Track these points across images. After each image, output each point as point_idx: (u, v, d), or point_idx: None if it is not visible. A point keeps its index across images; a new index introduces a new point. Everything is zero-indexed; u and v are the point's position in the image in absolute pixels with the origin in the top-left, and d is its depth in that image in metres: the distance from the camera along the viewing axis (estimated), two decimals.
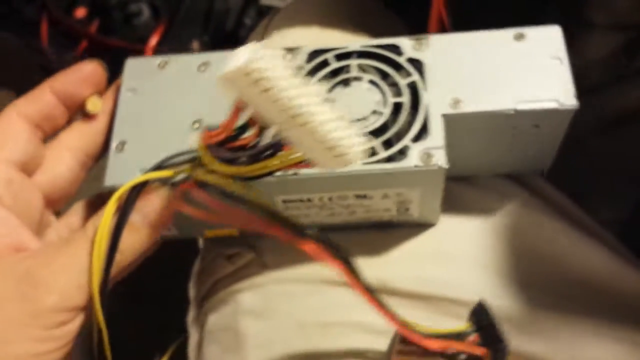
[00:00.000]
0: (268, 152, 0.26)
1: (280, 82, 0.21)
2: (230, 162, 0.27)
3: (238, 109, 0.25)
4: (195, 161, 0.29)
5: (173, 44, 0.74)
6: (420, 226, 0.35)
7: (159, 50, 0.74)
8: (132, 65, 0.34)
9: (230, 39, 0.74)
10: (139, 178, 0.29)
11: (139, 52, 0.74)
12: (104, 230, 0.27)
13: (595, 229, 0.35)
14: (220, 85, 0.22)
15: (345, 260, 0.25)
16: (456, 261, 0.33)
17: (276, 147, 0.26)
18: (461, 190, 0.35)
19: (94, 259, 0.27)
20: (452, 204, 0.34)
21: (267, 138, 0.26)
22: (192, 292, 0.39)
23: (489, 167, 0.34)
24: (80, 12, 0.78)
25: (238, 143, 0.26)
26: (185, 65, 0.33)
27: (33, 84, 0.33)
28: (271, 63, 0.21)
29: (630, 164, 0.58)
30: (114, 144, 0.32)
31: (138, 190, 0.29)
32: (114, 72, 0.87)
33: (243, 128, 0.26)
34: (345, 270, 0.25)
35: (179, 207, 0.27)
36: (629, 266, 0.34)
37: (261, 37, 0.41)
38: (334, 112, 0.22)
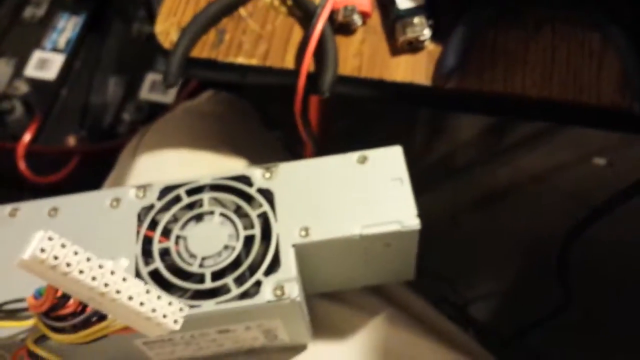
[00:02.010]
0: (96, 318, 0.25)
1: (76, 266, 0.21)
2: (60, 330, 0.26)
3: None
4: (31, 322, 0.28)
5: (48, 141, 0.73)
6: (294, 348, 0.34)
7: (33, 147, 0.72)
8: None
9: (108, 135, 0.74)
10: None
11: (11, 150, 0.72)
12: None
13: (460, 339, 0.36)
14: (22, 270, 0.22)
15: None
16: None
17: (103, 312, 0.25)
18: (330, 310, 0.36)
19: None
20: (322, 325, 0.36)
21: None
22: None
23: (353, 282, 0.36)
24: None
25: (64, 311, 0.25)
26: (35, 211, 0.33)
27: None
28: (61, 250, 0.21)
29: (503, 240, 0.59)
30: None
31: None
32: None
33: (67, 296, 0.25)
34: None
35: None
36: None
37: (132, 158, 0.41)
38: (140, 286, 0.22)
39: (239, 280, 0.31)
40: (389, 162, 0.33)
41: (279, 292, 0.30)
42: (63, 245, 0.22)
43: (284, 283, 0.30)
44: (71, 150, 0.73)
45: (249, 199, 0.33)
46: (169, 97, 0.74)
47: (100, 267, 0.22)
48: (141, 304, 0.23)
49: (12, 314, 0.31)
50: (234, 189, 0.33)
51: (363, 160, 0.33)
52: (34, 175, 0.71)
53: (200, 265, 0.31)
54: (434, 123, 0.80)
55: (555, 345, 0.61)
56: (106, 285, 0.22)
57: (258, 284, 0.30)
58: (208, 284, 0.31)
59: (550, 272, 0.65)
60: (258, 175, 0.33)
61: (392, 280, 0.36)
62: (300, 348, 0.35)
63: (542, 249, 0.70)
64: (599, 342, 0.60)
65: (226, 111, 0.45)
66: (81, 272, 0.22)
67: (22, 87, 0.77)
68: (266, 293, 0.30)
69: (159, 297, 0.23)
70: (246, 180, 0.33)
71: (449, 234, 0.68)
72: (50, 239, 0.21)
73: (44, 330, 0.26)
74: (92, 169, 0.61)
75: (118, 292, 0.22)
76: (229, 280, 0.31)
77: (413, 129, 0.83)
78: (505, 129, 0.80)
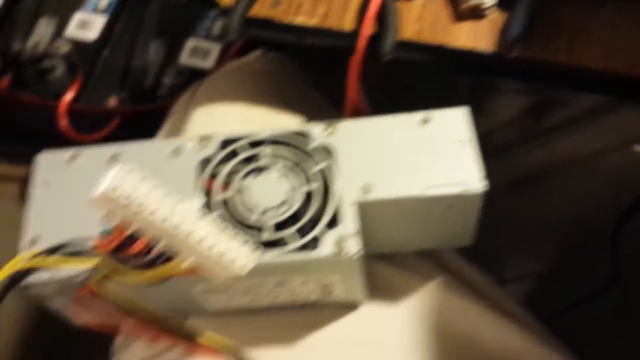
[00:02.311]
0: (163, 258, 0.25)
1: (148, 205, 0.21)
2: (127, 269, 0.26)
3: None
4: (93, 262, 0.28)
5: (89, 100, 0.74)
6: (347, 306, 0.34)
7: (74, 106, 0.73)
8: (44, 159, 0.34)
9: (149, 97, 0.73)
10: (21, 264, 0.28)
11: (53, 108, 0.72)
12: None
13: (512, 309, 0.36)
14: (94, 207, 0.22)
15: None
16: (383, 347, 0.34)
17: (171, 254, 0.25)
18: (384, 271, 0.36)
19: None
20: (377, 286, 0.36)
21: (161, 244, 0.25)
22: None
23: (409, 244, 0.36)
24: None
25: (132, 250, 0.25)
26: (95, 157, 0.33)
27: None
28: (136, 187, 0.20)
29: (539, 221, 0.59)
30: (27, 239, 0.31)
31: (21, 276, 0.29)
32: (26, 128, 0.85)
33: (135, 235, 0.25)
34: None
35: (74, 315, 0.26)
36: (546, 346, 0.37)
37: (184, 111, 0.41)
38: (212, 228, 0.22)
39: (299, 234, 0.31)
40: (454, 123, 0.32)
41: (338, 248, 0.30)
42: (140, 180, 0.21)
43: (345, 239, 0.30)
44: (112, 111, 0.73)
45: (308, 154, 0.33)
46: (208, 62, 0.74)
47: (174, 206, 0.22)
48: (212, 246, 0.23)
49: (73, 255, 0.31)
50: (294, 144, 0.33)
51: (425, 121, 0.32)
52: (75, 134, 0.71)
53: (260, 217, 0.31)
54: (472, 101, 0.79)
55: (590, 329, 0.60)
56: (178, 225, 0.22)
57: (318, 238, 0.30)
58: (268, 235, 0.30)
59: (585, 255, 0.64)
60: (318, 131, 0.33)
61: (449, 245, 0.36)
62: (352, 306, 0.35)
63: (576, 232, 0.69)
64: (635, 330, 0.59)
65: (277, 70, 0.44)
66: (153, 211, 0.21)
67: (64, 47, 0.77)
68: (326, 247, 0.30)
69: (230, 241, 0.23)
70: (306, 135, 0.33)
71: (485, 213, 0.68)
72: (128, 174, 0.21)
73: (108, 270, 0.26)
74: (131, 131, 0.61)
75: (190, 233, 0.22)
76: (289, 232, 0.31)
77: (450, 106, 0.82)
78: (544, 111, 0.79)
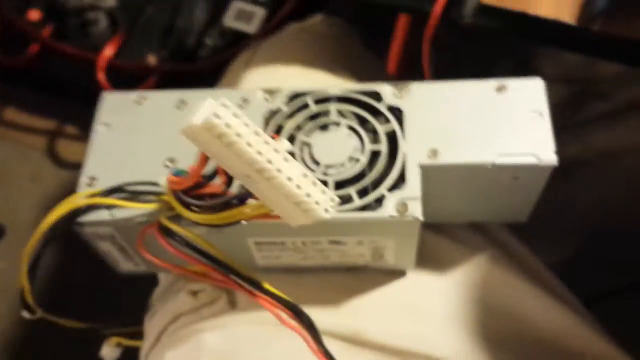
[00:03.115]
0: (236, 202, 0.25)
1: (243, 138, 0.20)
2: (198, 210, 0.25)
3: (205, 158, 0.24)
4: (159, 202, 0.28)
5: (129, 56, 0.74)
6: (393, 273, 0.34)
7: (113, 61, 0.73)
8: (109, 100, 0.33)
9: (190, 57, 0.74)
10: (81, 201, 0.28)
11: (92, 61, 0.73)
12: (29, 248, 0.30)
13: (558, 288, 0.36)
14: (185, 137, 0.21)
15: (307, 325, 0.24)
16: (428, 316, 0.33)
17: (245, 196, 0.25)
18: (434, 241, 0.35)
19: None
20: (425, 255, 0.35)
21: (235, 187, 0.25)
22: (147, 323, 0.37)
23: (466, 215, 0.35)
24: (34, 15, 0.76)
25: (206, 191, 0.25)
26: (162, 102, 0.33)
27: None
28: (234, 119, 0.20)
29: (571, 211, 0.58)
30: (83, 179, 0.31)
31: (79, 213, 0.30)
32: (65, 79, 0.84)
33: (211, 176, 0.25)
34: (306, 336, 0.24)
35: (139, 249, 0.26)
36: (589, 327, 0.36)
37: (243, 70, 0.40)
38: (299, 168, 0.21)
39: (362, 193, 0.30)
40: (529, 93, 0.31)
41: (402, 209, 0.29)
42: (235, 115, 0.21)
43: (408, 201, 0.29)
44: (151, 68, 0.73)
45: (376, 114, 0.32)
46: (252, 27, 0.73)
47: (266, 143, 0.21)
48: (298, 186, 0.22)
49: (133, 197, 0.31)
50: (363, 103, 0.32)
51: (501, 88, 0.31)
52: (112, 88, 0.71)
53: (324, 174, 0.31)
54: None
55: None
56: (269, 162, 0.21)
57: (381, 199, 0.30)
58: (330, 192, 0.30)
59: (612, 251, 0.63)
60: (388, 91, 0.32)
61: (504, 219, 0.35)
62: (399, 274, 0.35)
63: (604, 228, 0.68)
64: None
65: (338, 34, 0.44)
66: (250, 143, 0.21)
67: (109, 1, 0.77)
68: (389, 208, 0.29)
69: (314, 184, 0.22)
70: (376, 95, 0.32)
71: None
72: (224, 106, 0.21)
73: (178, 208, 0.26)
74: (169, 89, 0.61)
75: (279, 170, 0.22)
76: (351, 190, 0.30)
77: None
78: (582, 102, 0.77)
